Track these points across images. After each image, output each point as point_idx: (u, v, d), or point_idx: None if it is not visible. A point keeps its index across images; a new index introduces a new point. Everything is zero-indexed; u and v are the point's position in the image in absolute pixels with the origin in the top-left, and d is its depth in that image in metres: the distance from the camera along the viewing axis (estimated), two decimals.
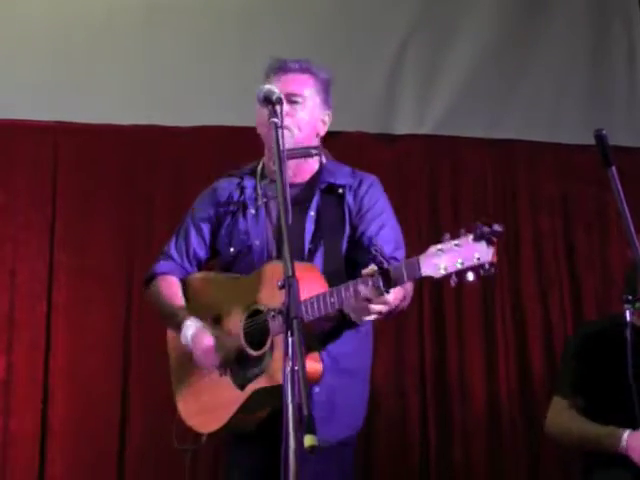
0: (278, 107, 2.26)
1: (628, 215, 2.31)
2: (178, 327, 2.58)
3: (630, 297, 2.76)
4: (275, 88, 2.33)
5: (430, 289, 4.37)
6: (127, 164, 4.32)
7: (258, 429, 2.49)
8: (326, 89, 2.70)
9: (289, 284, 1.93)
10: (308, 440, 1.73)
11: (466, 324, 4.38)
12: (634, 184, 4.21)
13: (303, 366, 1.81)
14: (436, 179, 4.52)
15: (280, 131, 2.22)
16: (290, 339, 1.85)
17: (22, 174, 4.23)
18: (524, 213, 4.56)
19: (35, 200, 4.22)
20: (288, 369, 1.82)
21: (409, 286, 2.44)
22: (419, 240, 4.07)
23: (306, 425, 1.75)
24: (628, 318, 2.72)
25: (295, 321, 1.87)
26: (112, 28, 4.37)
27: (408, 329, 4.33)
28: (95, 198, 4.27)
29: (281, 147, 2.17)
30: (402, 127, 4.55)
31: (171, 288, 2.72)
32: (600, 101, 4.70)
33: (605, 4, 4.83)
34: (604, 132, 2.31)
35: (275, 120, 2.23)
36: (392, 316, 2.40)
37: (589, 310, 4.46)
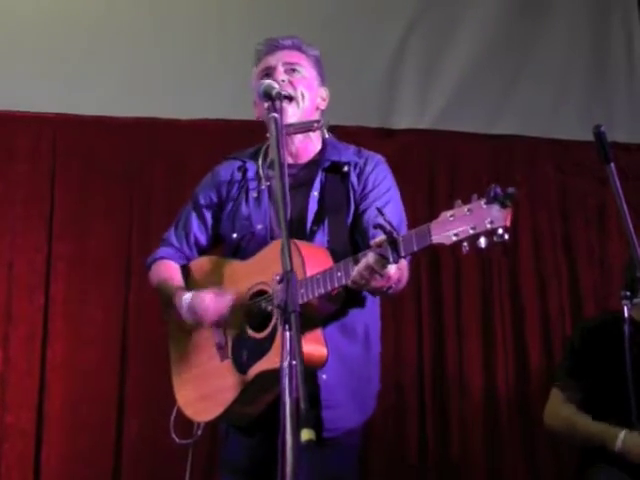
0: (277, 102, 2.24)
1: (627, 212, 2.31)
2: (178, 301, 2.51)
3: (628, 293, 2.76)
4: (275, 83, 2.32)
5: (428, 283, 4.38)
6: (126, 156, 4.31)
7: (257, 421, 2.45)
8: (319, 65, 2.70)
9: (287, 278, 1.92)
10: (305, 434, 1.72)
11: (464, 318, 4.39)
12: (633, 180, 4.23)
13: (302, 360, 1.80)
14: (434, 174, 4.52)
15: (280, 127, 2.19)
16: (288, 333, 1.84)
17: (21, 165, 4.22)
18: (523, 208, 4.55)
19: (33, 192, 4.21)
20: (286, 364, 1.81)
21: (405, 269, 2.41)
22: None
23: (304, 419, 1.74)
24: (626, 314, 2.72)
25: (293, 315, 1.86)
26: (112, 20, 4.37)
27: (406, 323, 4.33)
28: (93, 190, 4.26)
29: (280, 144, 2.15)
30: (401, 122, 4.56)
31: (168, 271, 2.68)
32: (599, 97, 4.72)
33: (605, 1, 4.83)
34: (603, 129, 2.31)
35: (275, 115, 2.21)
36: (386, 295, 2.36)
37: (587, 305, 4.48)
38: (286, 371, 1.82)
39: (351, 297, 2.43)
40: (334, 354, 2.39)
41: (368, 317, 2.55)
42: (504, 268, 4.48)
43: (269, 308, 2.34)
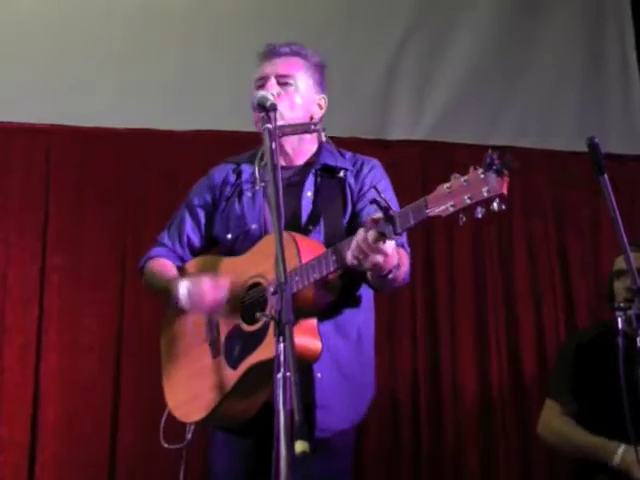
0: (272, 113, 2.23)
1: (620, 222, 2.31)
2: (175, 289, 2.49)
3: (622, 305, 2.76)
4: (269, 94, 2.32)
5: (423, 293, 4.38)
6: (121, 168, 4.31)
7: (249, 426, 2.42)
8: (319, 72, 2.67)
9: (281, 290, 1.91)
10: (299, 446, 1.71)
11: (459, 329, 4.39)
12: (627, 191, 4.24)
13: (295, 371, 1.79)
14: (430, 185, 4.49)
15: (275, 138, 2.19)
16: (282, 345, 1.83)
17: (15, 177, 4.22)
18: (517, 219, 4.57)
19: (27, 203, 4.21)
20: (280, 376, 1.80)
21: (405, 257, 2.41)
22: (411, 245, 4.06)
23: (298, 431, 1.73)
24: (620, 326, 2.71)
25: (287, 326, 1.85)
26: (107, 32, 4.38)
27: (401, 335, 4.33)
28: (88, 202, 4.26)
29: (274, 154, 2.15)
30: (396, 133, 4.57)
31: (163, 266, 2.67)
32: (593, 108, 4.73)
33: (599, 12, 4.85)
34: (596, 140, 2.32)
35: (269, 126, 2.20)
36: (385, 282, 2.33)
37: (581, 315, 4.48)
38: (280, 382, 1.81)
39: (346, 295, 2.43)
40: (329, 353, 2.38)
41: (362, 320, 2.54)
42: (498, 278, 4.49)
43: (259, 315, 2.33)
